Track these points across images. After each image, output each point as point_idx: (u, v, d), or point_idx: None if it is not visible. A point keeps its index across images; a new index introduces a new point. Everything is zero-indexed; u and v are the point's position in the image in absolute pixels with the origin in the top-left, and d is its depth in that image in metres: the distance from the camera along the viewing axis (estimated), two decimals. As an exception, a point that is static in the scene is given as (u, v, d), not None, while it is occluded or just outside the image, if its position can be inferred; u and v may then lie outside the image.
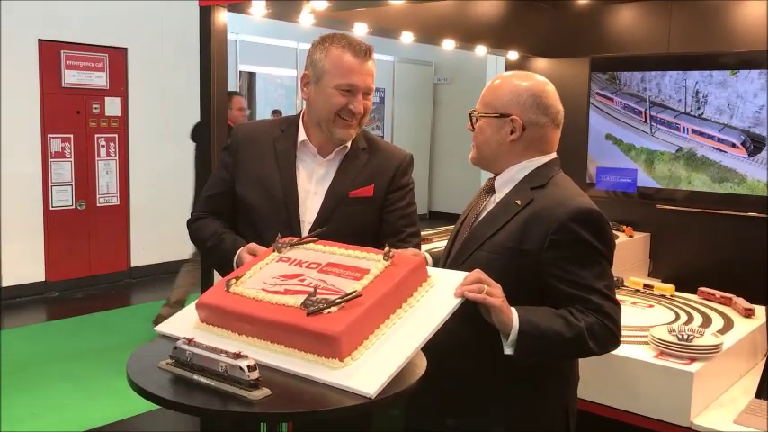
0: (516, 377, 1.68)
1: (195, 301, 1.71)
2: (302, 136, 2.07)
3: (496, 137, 1.76)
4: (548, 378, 1.74)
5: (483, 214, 1.81)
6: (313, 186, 2.05)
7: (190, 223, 2.16)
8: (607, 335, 1.62)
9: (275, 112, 9.33)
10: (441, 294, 1.59)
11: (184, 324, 1.69)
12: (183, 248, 7.34)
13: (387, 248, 1.64)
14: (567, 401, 1.80)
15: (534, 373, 1.69)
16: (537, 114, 1.73)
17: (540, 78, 1.79)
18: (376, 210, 2.05)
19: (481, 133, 1.79)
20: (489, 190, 1.83)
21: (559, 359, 1.74)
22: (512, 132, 1.74)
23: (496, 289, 1.57)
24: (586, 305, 1.61)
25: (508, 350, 1.58)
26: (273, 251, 1.80)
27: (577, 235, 1.63)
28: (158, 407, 1.45)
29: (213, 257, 2.10)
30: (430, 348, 1.50)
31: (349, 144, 2.06)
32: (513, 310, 1.57)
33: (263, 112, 9.96)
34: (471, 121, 1.82)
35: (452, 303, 1.55)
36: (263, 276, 1.70)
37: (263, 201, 2.04)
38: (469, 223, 1.83)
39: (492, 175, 1.84)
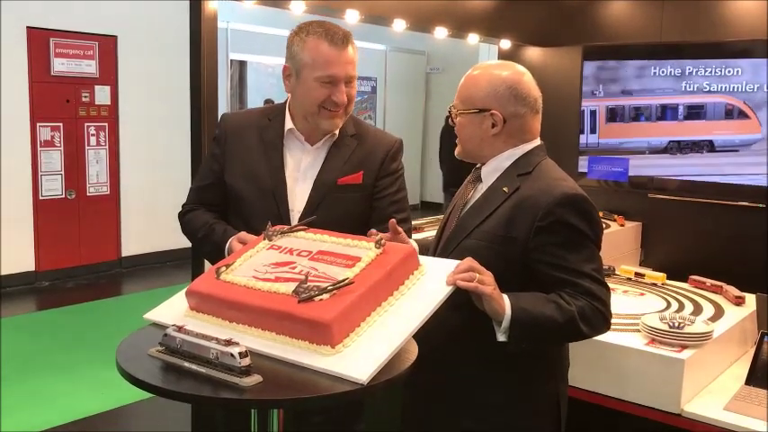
0: (506, 364, 1.68)
1: (185, 289, 1.70)
2: (289, 124, 2.05)
3: (478, 131, 1.77)
4: (537, 364, 1.74)
5: (471, 203, 1.81)
6: (301, 174, 2.03)
7: (181, 216, 2.15)
8: (597, 317, 1.63)
9: (268, 102, 9.27)
10: (432, 282, 1.59)
11: (174, 312, 1.68)
12: (173, 238, 7.35)
13: (378, 236, 1.63)
14: (558, 387, 1.80)
15: (524, 359, 1.68)
16: (516, 106, 1.74)
17: (516, 67, 1.79)
18: (366, 197, 2.03)
19: (463, 129, 1.80)
20: (476, 179, 1.84)
21: (552, 344, 1.75)
22: (493, 126, 1.75)
23: (488, 277, 1.57)
24: (576, 289, 1.62)
25: (501, 337, 1.58)
26: (264, 239, 1.79)
27: (564, 220, 1.64)
28: (150, 396, 1.44)
29: (205, 248, 2.09)
30: (421, 335, 1.50)
31: (337, 131, 2.04)
32: (505, 297, 1.58)
33: (254, 102, 9.89)
34: (450, 116, 1.82)
35: (444, 291, 1.55)
36: (253, 264, 1.69)
37: (251, 191, 2.02)
38: (457, 212, 1.84)
39: (478, 165, 1.84)
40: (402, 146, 2.12)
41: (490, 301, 1.56)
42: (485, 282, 1.56)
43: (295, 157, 2.04)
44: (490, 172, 1.79)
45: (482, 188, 1.80)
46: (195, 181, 2.20)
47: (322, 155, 2.03)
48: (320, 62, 1.91)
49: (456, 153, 1.86)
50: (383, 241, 1.62)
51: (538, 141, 1.81)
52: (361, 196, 2.02)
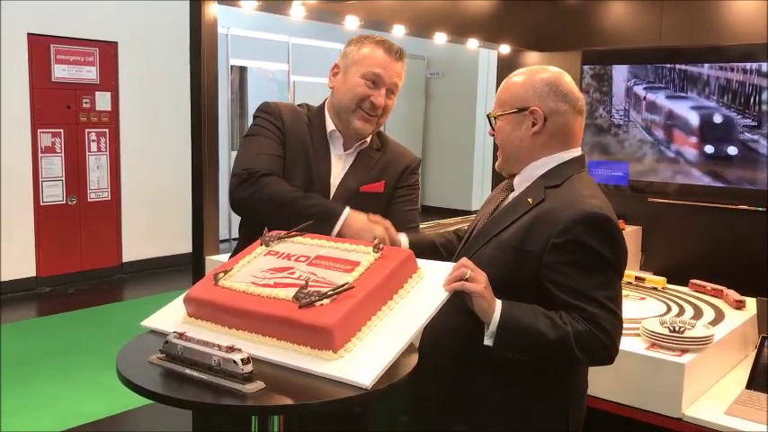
0: (510, 376, 1.63)
1: (181, 296, 1.70)
2: (330, 126, 2.10)
3: (517, 133, 1.69)
4: (543, 382, 1.66)
5: (498, 210, 1.76)
6: (332, 179, 2.08)
7: (256, 176, 1.92)
8: (596, 346, 1.54)
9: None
10: (430, 286, 1.60)
11: (172, 319, 1.68)
12: (174, 243, 7.37)
13: (376, 241, 1.65)
14: (567, 409, 1.71)
15: (529, 375, 1.63)
16: (557, 102, 1.66)
17: (554, 69, 1.73)
18: (384, 205, 2.08)
19: (501, 133, 1.73)
20: (509, 187, 1.78)
21: (544, 361, 1.62)
22: (533, 125, 1.67)
23: (480, 275, 1.54)
24: (581, 313, 1.54)
25: (487, 341, 1.54)
26: (261, 244, 1.79)
27: (580, 240, 1.55)
28: (151, 402, 1.44)
29: (294, 209, 1.90)
30: (432, 342, 1.48)
31: (368, 140, 2.11)
32: (499, 301, 1.54)
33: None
34: (491, 124, 1.76)
35: (442, 295, 1.55)
36: (251, 270, 1.69)
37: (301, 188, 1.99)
38: (485, 217, 1.79)
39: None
40: (420, 164, 2.22)
41: (479, 300, 1.52)
42: (475, 279, 1.53)
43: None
44: (521, 181, 1.73)
45: (512, 197, 1.75)
46: (259, 147, 2.02)
47: (349, 161, 2.10)
48: (371, 62, 2.02)
49: (496, 166, 1.79)
50: (381, 245, 1.63)
51: (578, 151, 1.72)
52: (381, 204, 2.07)
